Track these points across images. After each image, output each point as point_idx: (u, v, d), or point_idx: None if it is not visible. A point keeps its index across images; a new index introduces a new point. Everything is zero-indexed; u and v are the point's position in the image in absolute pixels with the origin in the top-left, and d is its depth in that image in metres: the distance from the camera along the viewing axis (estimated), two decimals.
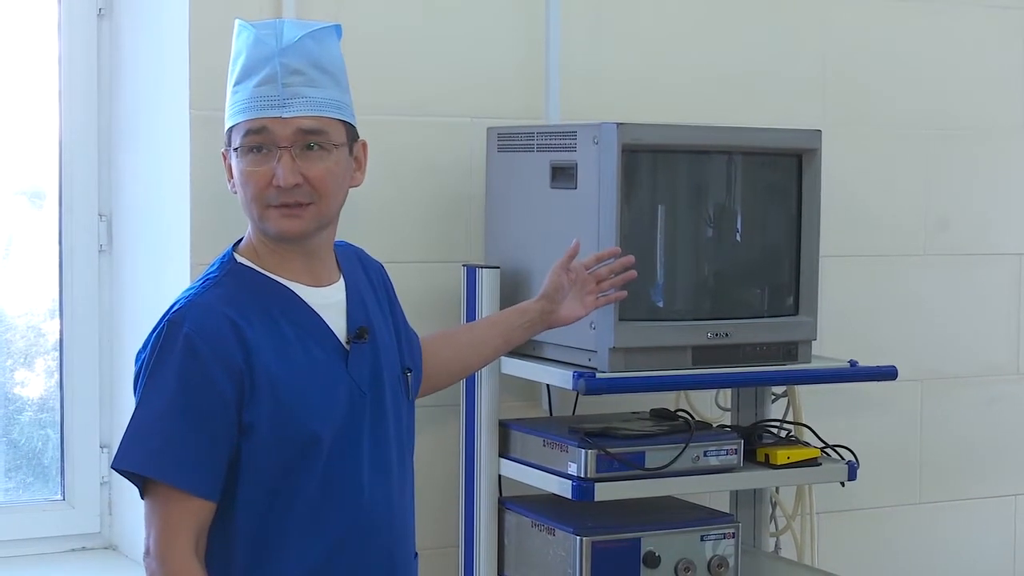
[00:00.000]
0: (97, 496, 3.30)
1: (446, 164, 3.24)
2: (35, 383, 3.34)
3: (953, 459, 3.88)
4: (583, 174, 2.90)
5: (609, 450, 2.85)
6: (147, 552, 2.14)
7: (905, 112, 3.77)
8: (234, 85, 2.23)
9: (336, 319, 2.26)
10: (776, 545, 3.40)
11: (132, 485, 3.25)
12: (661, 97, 3.43)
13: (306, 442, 2.17)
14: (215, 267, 2.26)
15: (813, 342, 3.09)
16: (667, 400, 3.30)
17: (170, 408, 2.12)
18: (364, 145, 2.30)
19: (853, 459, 3.12)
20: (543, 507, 3.04)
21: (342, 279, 2.31)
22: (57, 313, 3.29)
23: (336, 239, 2.34)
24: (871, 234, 3.74)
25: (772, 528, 3.40)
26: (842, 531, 3.67)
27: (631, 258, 2.68)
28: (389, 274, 2.47)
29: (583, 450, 2.84)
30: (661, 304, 3.00)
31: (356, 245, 2.46)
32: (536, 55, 3.32)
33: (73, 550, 3.28)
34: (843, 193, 3.55)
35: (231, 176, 2.25)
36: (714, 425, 3.18)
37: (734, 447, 2.98)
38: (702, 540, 2.98)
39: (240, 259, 2.26)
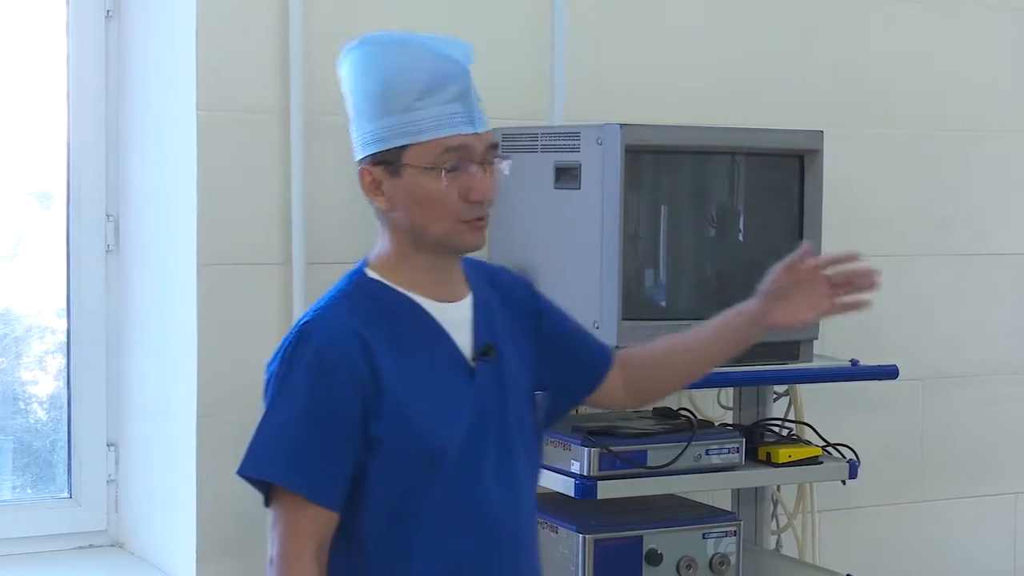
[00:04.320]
0: (104, 494, 3.31)
1: None
2: (43, 382, 3.35)
3: (954, 458, 3.90)
4: (587, 175, 2.92)
5: (612, 448, 2.87)
6: (270, 561, 2.15)
7: (908, 113, 3.79)
8: (415, 100, 2.17)
9: (462, 336, 2.25)
10: (777, 543, 3.42)
11: (142, 484, 3.28)
12: (664, 98, 3.45)
13: (429, 458, 2.17)
14: (345, 281, 2.26)
15: (815, 341, 3.11)
16: (669, 399, 3.31)
17: (297, 419, 2.13)
18: None
19: (854, 457, 3.13)
20: (546, 505, 3.03)
21: (471, 295, 2.30)
22: (65, 313, 3.30)
23: (473, 258, 2.33)
24: (873, 234, 3.74)
25: (773, 526, 3.41)
26: (843, 529, 3.68)
27: (876, 269, 2.41)
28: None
29: (586, 448, 2.86)
30: (664, 304, 3.02)
31: (497, 264, 2.44)
32: (541, 57, 3.34)
33: (80, 548, 3.29)
34: (846, 193, 3.56)
35: (378, 192, 2.19)
36: (716, 424, 3.19)
37: (736, 445, 3.00)
38: (704, 538, 2.99)
39: (371, 273, 2.25)
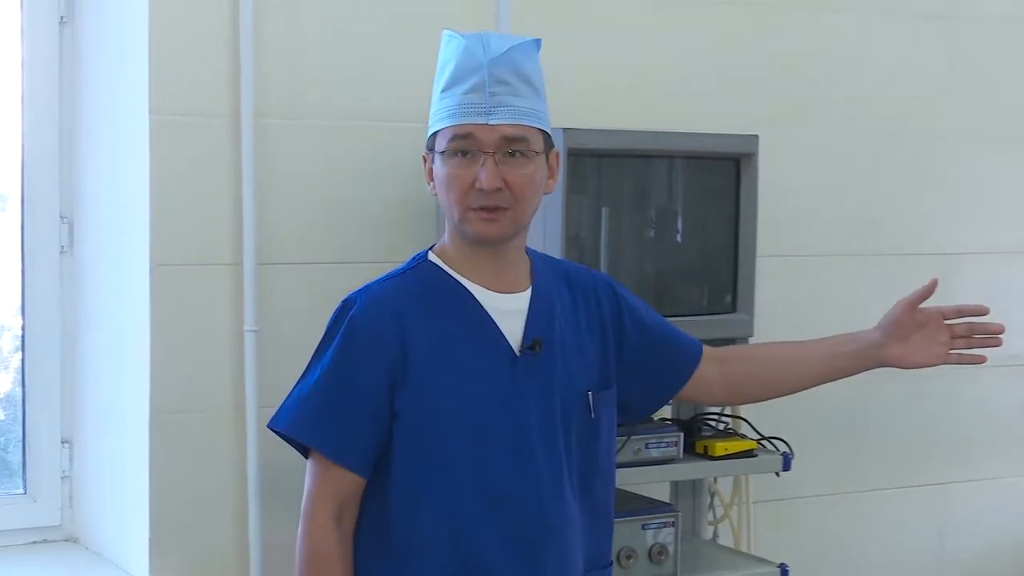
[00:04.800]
0: (58, 490, 3.32)
1: (401, 168, 3.23)
2: None
3: (885, 450, 3.96)
4: None
5: None
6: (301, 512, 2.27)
7: (841, 118, 3.84)
8: (441, 92, 2.30)
9: (513, 326, 2.30)
10: (714, 533, 3.46)
11: (96, 480, 3.31)
12: (605, 103, 3.46)
13: (448, 435, 2.23)
14: (408, 261, 2.35)
15: (750, 339, 3.17)
16: None
17: (323, 380, 2.24)
18: (557, 155, 2.36)
19: (788, 450, 3.21)
20: None
21: (531, 289, 2.34)
22: (20, 313, 3.30)
23: (551, 255, 2.40)
24: (807, 234, 3.80)
25: (711, 517, 3.46)
26: (778, 519, 3.72)
27: (1001, 326, 2.44)
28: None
29: None
30: None
31: (578, 263, 2.45)
32: None
33: (34, 543, 3.30)
34: (780, 195, 3.60)
35: (431, 179, 2.32)
36: (655, 419, 3.20)
37: (674, 440, 3.06)
38: (643, 529, 3.04)
39: (432, 257, 2.34)
